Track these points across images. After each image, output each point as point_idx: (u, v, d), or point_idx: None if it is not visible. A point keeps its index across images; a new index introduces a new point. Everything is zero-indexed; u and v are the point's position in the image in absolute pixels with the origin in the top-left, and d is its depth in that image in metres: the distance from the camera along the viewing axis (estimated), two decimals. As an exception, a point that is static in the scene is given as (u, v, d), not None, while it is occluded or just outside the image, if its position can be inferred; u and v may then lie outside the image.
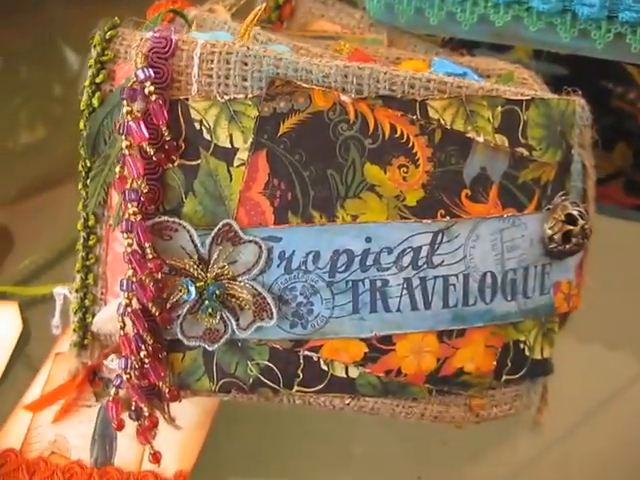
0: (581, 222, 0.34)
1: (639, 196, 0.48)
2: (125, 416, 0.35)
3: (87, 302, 0.38)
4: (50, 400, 0.40)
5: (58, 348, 0.42)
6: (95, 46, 0.35)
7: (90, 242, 0.37)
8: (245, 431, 0.40)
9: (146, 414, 0.34)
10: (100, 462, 0.38)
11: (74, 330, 0.38)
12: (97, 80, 0.35)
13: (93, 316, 0.38)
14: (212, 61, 0.32)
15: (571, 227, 0.34)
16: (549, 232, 0.34)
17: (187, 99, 0.32)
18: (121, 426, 0.35)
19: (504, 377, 0.35)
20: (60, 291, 0.42)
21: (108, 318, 0.37)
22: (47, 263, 0.50)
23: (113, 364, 0.35)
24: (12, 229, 0.54)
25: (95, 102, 0.35)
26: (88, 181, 0.36)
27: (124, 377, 0.34)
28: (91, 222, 0.36)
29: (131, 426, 0.34)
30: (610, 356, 0.47)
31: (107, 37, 0.35)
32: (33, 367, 0.44)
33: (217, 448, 0.38)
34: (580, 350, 0.46)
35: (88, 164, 0.36)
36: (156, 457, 0.36)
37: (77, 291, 0.38)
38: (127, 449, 0.38)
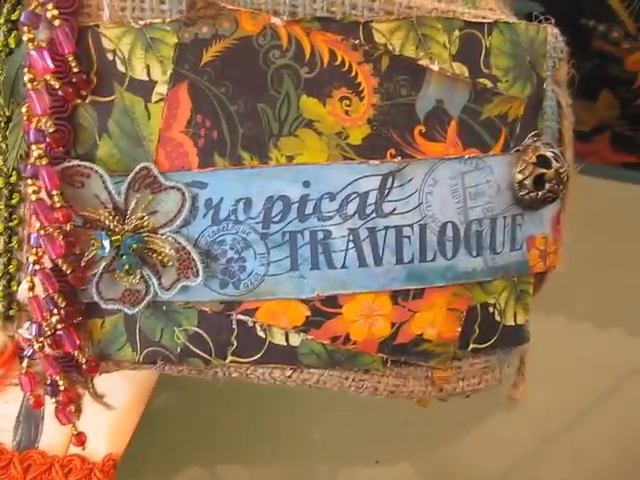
0: (555, 165, 0.30)
1: (628, 152, 0.43)
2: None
3: (11, 268, 0.34)
4: (-27, 379, 0.36)
5: None
6: None
7: (12, 201, 0.33)
8: (185, 411, 0.36)
9: (62, 389, 0.30)
10: (23, 446, 0.34)
11: (-3, 300, 0.35)
12: (13, 17, 0.31)
13: (19, 284, 0.34)
14: (125, -18, 0.28)
15: (544, 170, 0.30)
16: (519, 176, 0.30)
17: (98, 26, 0.28)
18: (38, 403, 0.31)
19: (471, 346, 0.31)
20: None
21: (34, 286, 0.33)
22: None
23: (27, 333, 0.32)
24: None
25: (11, 42, 0.31)
26: (7, 132, 0.33)
27: (36, 346, 0.30)
28: (13, 178, 0.33)
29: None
30: (607, 336, 0.42)
31: None
32: None
33: (152, 430, 0.35)
34: (574, 329, 0.41)
35: (7, 113, 0.32)
36: (80, 439, 0.32)
37: (0, 256, 0.35)
38: (54, 432, 0.34)
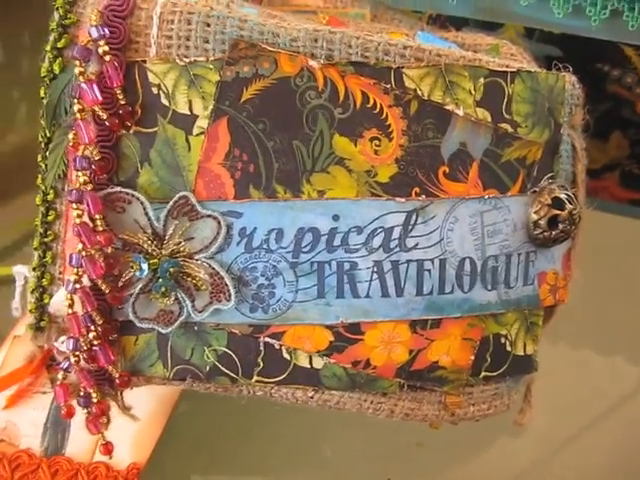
0: (569, 207, 0.32)
1: (636, 190, 0.45)
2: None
3: (44, 282, 0.35)
4: (3, 385, 0.37)
5: (17, 331, 0.40)
6: (57, 9, 0.33)
7: (49, 218, 0.35)
8: (206, 425, 0.38)
9: (95, 401, 0.32)
10: (51, 452, 0.36)
11: (30, 311, 0.36)
12: (59, 45, 0.32)
13: (50, 297, 0.36)
14: (172, 21, 0.30)
15: (558, 212, 0.32)
16: (534, 217, 0.32)
17: (145, 61, 0.30)
18: (70, 413, 0.32)
19: (483, 373, 0.32)
20: (20, 270, 0.39)
21: (66, 300, 0.35)
22: (14, 244, 0.49)
23: (63, 346, 0.33)
24: None
25: (56, 68, 0.32)
26: (47, 153, 0.34)
27: (72, 359, 0.31)
28: (50, 196, 0.34)
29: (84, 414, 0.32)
30: (608, 364, 0.44)
31: (69, 0, 0.33)
32: None
33: (175, 441, 0.36)
34: (576, 357, 0.43)
35: (48, 134, 0.34)
36: (107, 448, 0.33)
37: (34, 270, 0.36)
38: (80, 439, 0.36)
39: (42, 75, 0.34)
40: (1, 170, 0.55)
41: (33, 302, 0.37)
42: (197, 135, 0.30)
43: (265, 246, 0.30)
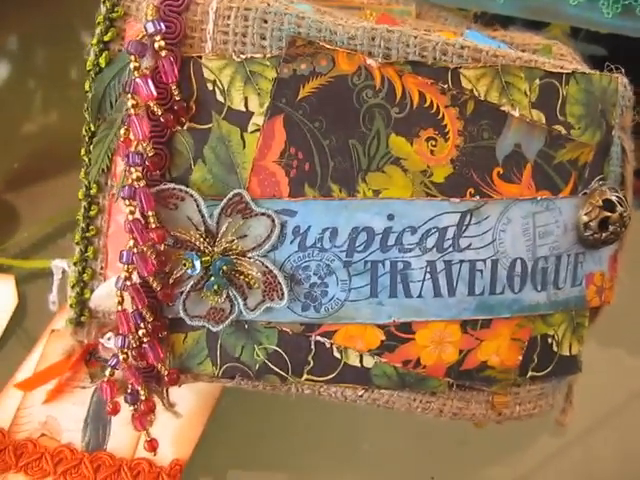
0: (619, 209, 0.32)
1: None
2: (120, 399, 0.33)
3: (85, 276, 0.35)
4: (42, 379, 0.37)
5: (54, 325, 0.40)
6: (104, 2, 0.33)
7: (91, 212, 0.34)
8: (249, 422, 0.38)
9: (142, 398, 0.32)
10: (92, 447, 0.36)
11: (71, 306, 0.36)
12: (105, 38, 0.32)
13: (91, 292, 0.36)
14: (229, 17, 0.29)
15: (609, 214, 0.32)
16: (585, 218, 0.32)
17: (200, 57, 0.29)
18: (115, 410, 0.32)
19: (530, 373, 0.33)
20: (59, 264, 0.39)
21: (107, 295, 0.34)
22: (48, 236, 0.48)
23: (110, 343, 0.33)
24: (13, 201, 0.52)
25: (102, 62, 0.32)
26: (91, 147, 0.34)
27: (120, 357, 0.31)
28: (93, 191, 0.34)
29: (126, 410, 0.32)
30: (632, 357, 0.44)
31: None
32: (27, 344, 0.42)
33: (217, 438, 0.36)
34: (601, 350, 0.43)
35: (92, 128, 0.33)
36: (152, 445, 0.33)
37: (75, 264, 0.36)
38: (121, 434, 0.36)
39: (87, 68, 0.34)
40: (35, 159, 0.55)
41: (74, 297, 0.36)
42: (252, 132, 0.30)
43: (319, 245, 0.30)
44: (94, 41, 0.33)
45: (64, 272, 0.39)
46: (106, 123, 0.33)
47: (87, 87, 0.33)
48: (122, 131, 0.30)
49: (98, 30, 0.33)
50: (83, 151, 0.35)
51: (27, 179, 0.53)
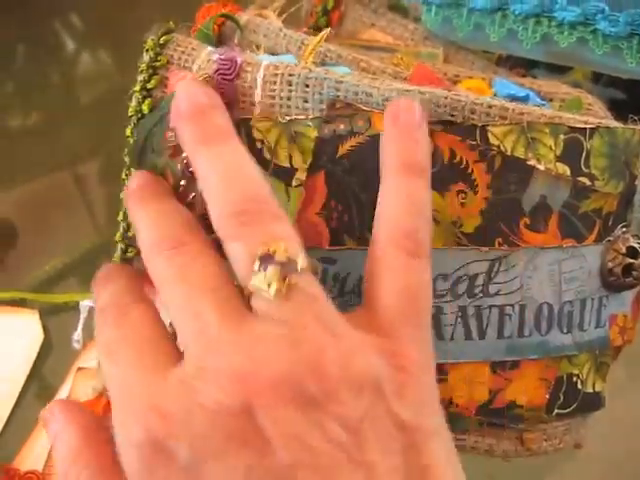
0: (642, 255, 0.34)
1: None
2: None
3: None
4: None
5: (80, 363, 0.41)
6: (148, 51, 0.35)
7: (128, 254, 0.36)
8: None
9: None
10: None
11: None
12: (148, 86, 0.34)
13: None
14: (275, 82, 0.32)
15: (632, 260, 0.33)
16: (609, 265, 0.34)
17: (250, 119, 0.32)
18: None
19: (556, 411, 0.34)
20: (86, 304, 0.39)
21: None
22: (66, 268, 0.49)
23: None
24: (32, 234, 0.53)
25: (145, 108, 0.34)
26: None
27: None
28: (131, 233, 0.36)
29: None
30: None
31: (161, 42, 0.35)
32: (54, 380, 0.43)
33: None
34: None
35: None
36: None
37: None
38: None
39: (130, 114, 0.35)
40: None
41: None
42: (296, 187, 0.32)
43: (357, 290, 0.32)
44: (137, 88, 0.35)
45: (91, 311, 0.41)
46: (147, 168, 0.34)
47: (129, 132, 0.35)
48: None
49: (141, 77, 0.35)
50: (122, 194, 0.37)
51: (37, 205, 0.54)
